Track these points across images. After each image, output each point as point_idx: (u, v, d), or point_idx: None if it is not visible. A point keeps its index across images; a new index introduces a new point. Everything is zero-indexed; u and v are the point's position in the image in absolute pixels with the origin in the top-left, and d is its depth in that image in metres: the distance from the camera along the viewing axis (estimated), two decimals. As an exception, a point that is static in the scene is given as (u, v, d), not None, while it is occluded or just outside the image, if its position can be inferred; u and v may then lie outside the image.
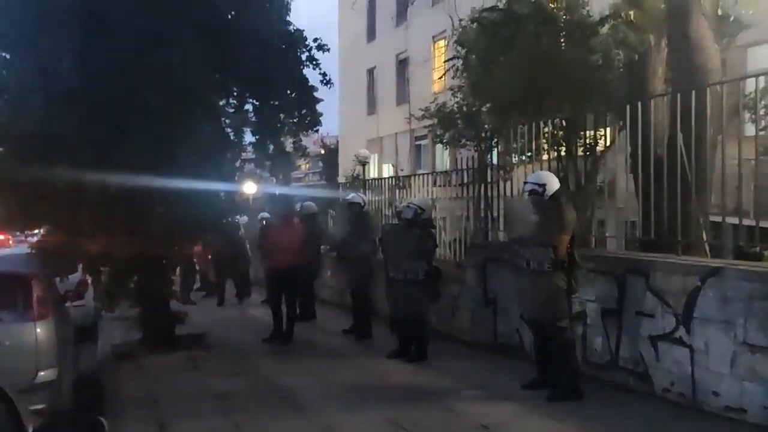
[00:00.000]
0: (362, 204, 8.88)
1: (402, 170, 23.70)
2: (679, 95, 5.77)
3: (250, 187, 16.07)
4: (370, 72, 30.76)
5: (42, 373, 4.95)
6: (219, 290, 13.34)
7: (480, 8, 9.53)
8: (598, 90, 8.36)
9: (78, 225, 7.76)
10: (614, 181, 7.79)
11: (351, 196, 9.13)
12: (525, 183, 5.89)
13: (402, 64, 28.08)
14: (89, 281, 8.73)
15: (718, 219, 5.91)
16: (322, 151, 48.12)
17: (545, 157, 8.85)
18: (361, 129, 30.56)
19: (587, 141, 9.07)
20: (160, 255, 8.32)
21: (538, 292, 5.58)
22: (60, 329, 5.46)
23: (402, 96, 27.55)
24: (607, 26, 6.83)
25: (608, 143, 9.22)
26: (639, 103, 6.00)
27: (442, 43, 23.38)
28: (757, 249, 5.87)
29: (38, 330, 5.03)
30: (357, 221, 8.83)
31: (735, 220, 5.59)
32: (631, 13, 6.65)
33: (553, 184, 5.70)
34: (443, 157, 22.61)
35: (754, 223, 5.39)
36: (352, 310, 9.06)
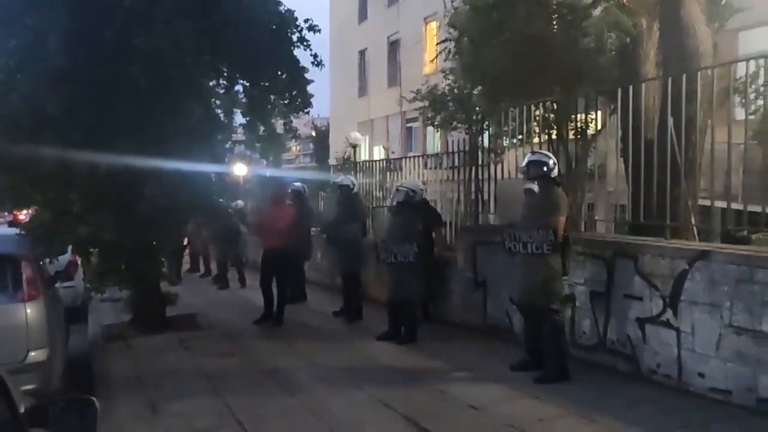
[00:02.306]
0: (352, 186, 8.88)
1: (393, 153, 23.67)
2: (670, 79, 5.78)
3: (240, 169, 16.00)
4: (362, 53, 30.61)
5: (32, 354, 4.97)
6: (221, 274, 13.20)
7: None
8: (589, 72, 8.36)
9: (67, 206, 7.72)
10: (605, 165, 7.83)
11: (340, 178, 9.12)
12: (534, 153, 5.86)
13: (393, 45, 27.97)
14: (79, 262, 8.71)
15: (707, 203, 5.96)
16: (313, 133, 47.97)
17: (536, 140, 8.87)
18: (352, 111, 30.46)
19: (578, 124, 9.09)
20: (150, 236, 8.28)
21: (534, 275, 5.58)
22: (50, 310, 5.46)
23: (393, 78, 27.46)
24: (599, 9, 6.83)
25: (599, 126, 9.24)
26: (630, 87, 6.01)
27: (434, 24, 23.29)
28: (745, 233, 5.91)
29: (28, 311, 5.05)
30: (347, 204, 8.83)
31: (723, 204, 5.64)
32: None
33: (556, 167, 5.75)
34: (434, 140, 22.60)
35: (742, 207, 5.43)
36: (342, 292, 9.08)
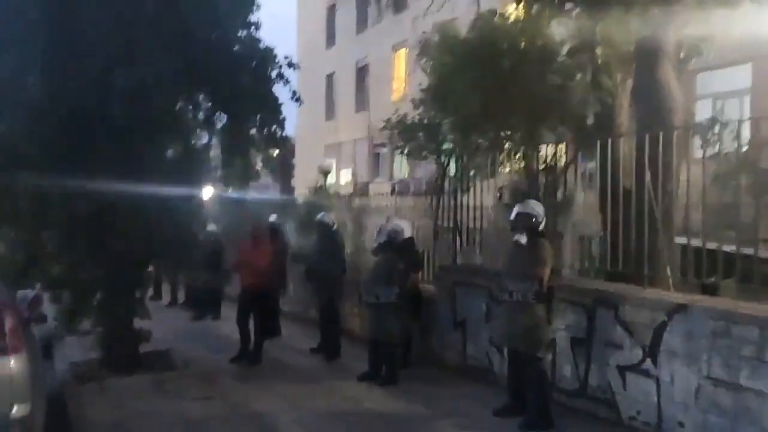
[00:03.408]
0: (332, 224, 8.92)
1: (361, 178, 23.76)
2: (647, 136, 6.05)
3: (206, 192, 15.80)
4: (329, 77, 30.64)
5: (16, 408, 4.81)
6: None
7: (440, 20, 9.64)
8: (558, 107, 8.55)
9: (40, 245, 7.57)
10: (574, 197, 8.07)
11: (321, 215, 9.15)
12: (523, 204, 5.94)
13: (362, 71, 28.09)
14: (44, 297, 8.47)
15: (683, 240, 6.16)
16: (276, 152, 47.56)
17: (506, 169, 9.04)
18: (319, 134, 30.46)
19: (548, 160, 9.29)
20: (125, 274, 8.14)
21: (519, 323, 5.67)
22: (32, 360, 5.32)
23: (361, 103, 27.59)
24: (573, 59, 7.13)
25: (568, 161, 9.45)
26: (609, 141, 6.26)
27: (402, 51, 23.56)
28: (713, 279, 6.11)
29: (12, 364, 4.89)
30: (327, 241, 8.86)
31: (699, 243, 5.84)
32: (599, 52, 6.94)
33: (544, 219, 5.90)
34: (402, 166, 22.75)
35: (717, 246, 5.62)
36: (320, 328, 9.03)
